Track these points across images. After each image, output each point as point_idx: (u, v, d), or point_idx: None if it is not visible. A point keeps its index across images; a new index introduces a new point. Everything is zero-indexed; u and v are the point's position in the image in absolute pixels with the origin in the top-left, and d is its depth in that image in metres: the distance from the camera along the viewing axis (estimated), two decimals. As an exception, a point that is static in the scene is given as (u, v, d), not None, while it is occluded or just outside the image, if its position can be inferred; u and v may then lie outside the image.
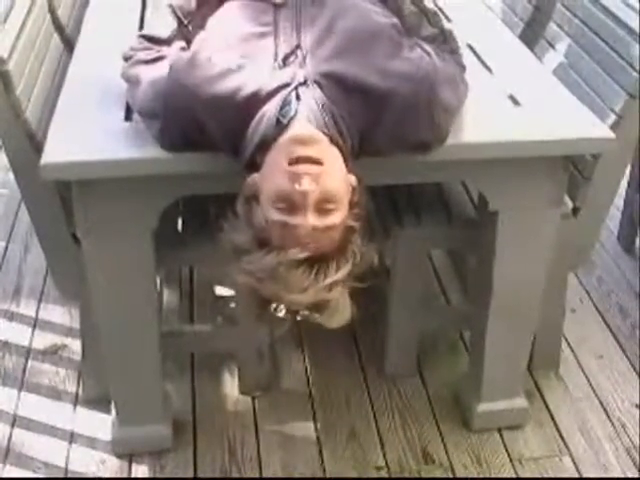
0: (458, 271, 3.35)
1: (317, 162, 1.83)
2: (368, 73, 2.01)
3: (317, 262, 1.82)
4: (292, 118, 1.93)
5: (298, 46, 2.05)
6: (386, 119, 2.02)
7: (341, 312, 1.93)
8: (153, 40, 2.25)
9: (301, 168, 1.82)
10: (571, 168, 2.38)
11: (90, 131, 2.19)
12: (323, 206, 1.82)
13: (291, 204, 1.81)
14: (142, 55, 2.21)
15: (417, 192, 2.77)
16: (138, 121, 2.20)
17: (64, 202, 2.37)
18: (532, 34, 2.98)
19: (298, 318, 2.00)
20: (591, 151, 2.41)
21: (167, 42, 2.22)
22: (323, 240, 1.83)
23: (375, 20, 2.13)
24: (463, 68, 2.26)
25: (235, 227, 1.90)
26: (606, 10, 2.59)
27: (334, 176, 1.86)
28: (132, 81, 2.19)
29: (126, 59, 2.24)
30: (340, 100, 1.98)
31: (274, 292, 1.86)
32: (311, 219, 1.81)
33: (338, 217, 1.85)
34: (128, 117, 2.25)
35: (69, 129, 2.20)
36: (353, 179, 1.93)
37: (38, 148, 2.20)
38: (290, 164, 1.83)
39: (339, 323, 1.96)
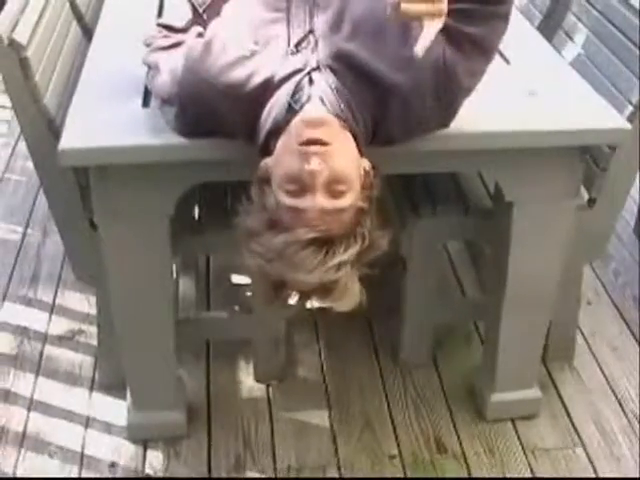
0: (473, 262, 3.35)
1: (327, 144, 1.83)
2: (379, 60, 2.00)
3: (325, 243, 1.82)
4: (304, 103, 1.93)
5: (311, 31, 2.04)
6: (397, 108, 2.02)
7: (350, 295, 1.93)
8: (171, 29, 2.27)
9: (310, 149, 1.82)
10: (587, 159, 2.38)
11: (108, 117, 2.20)
12: (333, 187, 1.82)
13: (300, 185, 1.82)
14: (161, 42, 2.24)
15: (433, 182, 2.77)
16: (155, 108, 2.21)
17: (82, 188, 2.38)
18: (550, 25, 2.98)
19: (308, 305, 2.01)
20: (607, 142, 2.41)
21: (184, 30, 2.24)
22: (333, 221, 1.83)
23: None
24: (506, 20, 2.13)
25: (249, 211, 1.91)
26: (624, 1, 2.58)
27: (344, 157, 1.86)
28: (152, 67, 2.22)
29: (147, 45, 2.26)
30: (353, 85, 1.98)
31: (282, 273, 1.86)
32: (320, 200, 1.81)
33: (348, 200, 1.85)
34: (146, 104, 2.27)
35: (87, 115, 2.21)
36: (367, 163, 1.93)
37: (56, 134, 2.21)
38: (300, 145, 1.83)
39: (348, 306, 1.96)
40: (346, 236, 1.86)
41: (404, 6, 1.80)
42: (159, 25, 2.31)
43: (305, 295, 1.98)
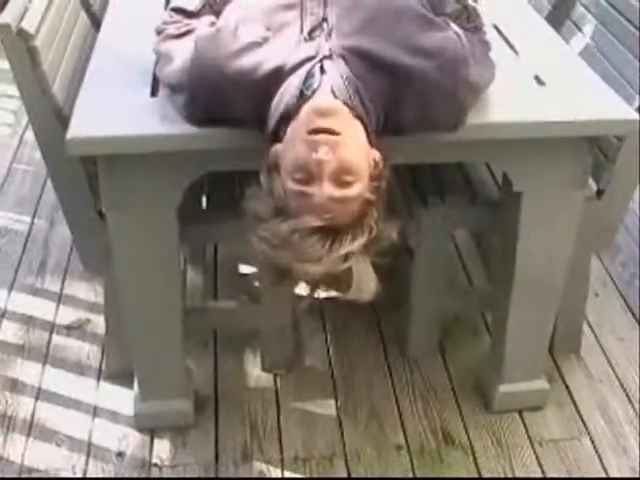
0: (481, 252, 3.35)
1: (336, 133, 1.83)
2: (394, 50, 2.00)
3: (332, 233, 1.82)
4: (315, 90, 1.93)
5: (324, 19, 2.04)
6: (410, 97, 2.01)
7: (365, 285, 1.93)
8: (183, 12, 2.26)
9: (319, 137, 1.81)
10: (596, 150, 2.38)
11: (116, 107, 2.20)
12: (341, 177, 1.82)
13: (308, 174, 1.81)
14: (172, 29, 2.22)
15: (441, 172, 2.77)
16: (163, 97, 2.21)
17: (90, 178, 2.38)
18: (559, 15, 2.97)
19: (317, 294, 2.01)
20: (616, 132, 2.40)
21: (196, 15, 2.23)
22: (339, 211, 1.83)
23: None
24: (488, 46, 2.25)
25: (257, 197, 1.91)
26: (633, -8, 2.58)
27: (353, 147, 1.86)
28: (163, 56, 2.20)
29: (158, 33, 2.25)
30: (364, 75, 1.98)
31: (287, 261, 1.86)
32: (327, 189, 1.80)
33: (356, 189, 1.84)
34: (154, 93, 2.26)
35: (95, 104, 2.20)
36: (376, 154, 1.92)
37: (64, 123, 2.20)
38: (309, 134, 1.83)
39: (366, 296, 1.96)
40: (353, 227, 1.86)
41: None
42: (171, 10, 2.30)
43: (313, 285, 1.97)
